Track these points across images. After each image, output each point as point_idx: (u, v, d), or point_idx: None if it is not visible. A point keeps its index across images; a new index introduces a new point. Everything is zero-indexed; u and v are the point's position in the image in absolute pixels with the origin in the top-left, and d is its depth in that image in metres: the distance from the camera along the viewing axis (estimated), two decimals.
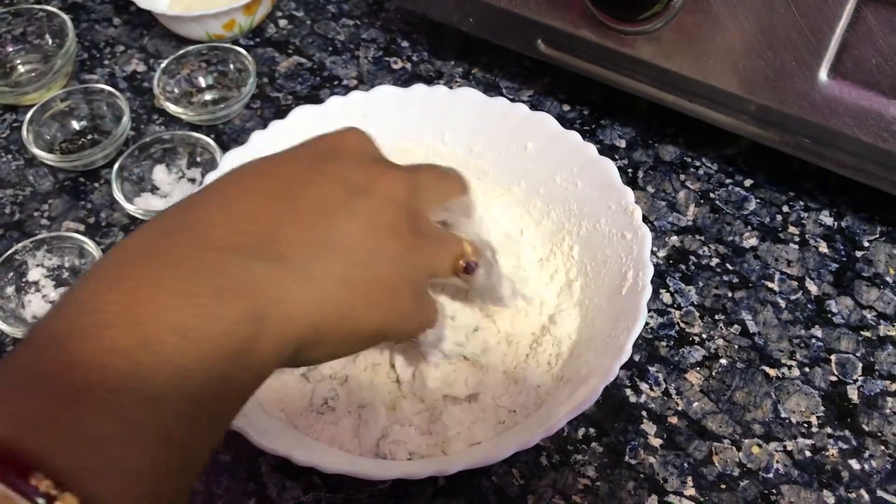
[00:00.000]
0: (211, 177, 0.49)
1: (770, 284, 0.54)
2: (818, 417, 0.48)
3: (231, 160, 0.50)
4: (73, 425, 0.23)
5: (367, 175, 0.32)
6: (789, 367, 0.50)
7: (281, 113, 0.63)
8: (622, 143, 0.62)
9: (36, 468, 0.21)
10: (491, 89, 0.65)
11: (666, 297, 0.53)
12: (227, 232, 0.28)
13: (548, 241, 0.52)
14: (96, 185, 0.61)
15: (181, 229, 0.28)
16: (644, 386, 0.50)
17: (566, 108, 0.64)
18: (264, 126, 0.52)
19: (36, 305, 0.54)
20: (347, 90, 0.63)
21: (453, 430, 0.45)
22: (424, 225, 0.35)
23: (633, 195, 0.47)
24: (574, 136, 0.50)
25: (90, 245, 0.55)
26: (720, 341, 0.51)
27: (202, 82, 0.66)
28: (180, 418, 0.25)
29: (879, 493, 0.45)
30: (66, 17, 0.67)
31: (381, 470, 0.40)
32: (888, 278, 0.54)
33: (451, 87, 0.54)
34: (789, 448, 0.47)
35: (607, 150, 0.60)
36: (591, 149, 0.49)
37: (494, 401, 0.46)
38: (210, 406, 0.26)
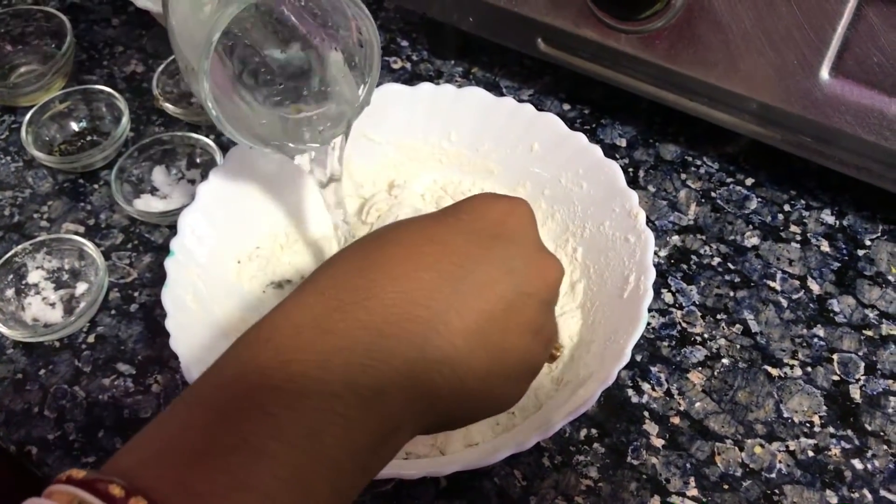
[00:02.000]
0: (213, 175, 0.49)
1: (772, 284, 0.54)
2: (821, 417, 0.48)
3: (236, 157, 0.50)
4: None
5: (532, 271, 0.32)
6: (791, 367, 0.50)
7: None
8: (623, 142, 0.61)
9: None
10: (491, 88, 0.65)
11: (668, 297, 0.53)
12: (399, 316, 0.29)
13: (552, 242, 0.52)
14: (96, 186, 0.61)
15: (355, 306, 0.29)
16: (646, 386, 0.49)
17: (566, 107, 0.64)
18: None
19: (36, 308, 0.54)
20: None
21: (451, 430, 0.45)
22: (553, 319, 0.36)
23: (638, 198, 0.47)
24: (580, 137, 0.50)
25: (90, 247, 0.55)
26: (722, 341, 0.51)
27: None
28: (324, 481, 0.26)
29: (882, 492, 0.45)
30: (64, 17, 0.67)
31: None
32: (890, 277, 0.54)
33: (456, 86, 0.53)
34: (792, 448, 0.47)
35: (608, 150, 0.60)
36: (597, 151, 0.49)
37: None
38: (355, 476, 0.28)
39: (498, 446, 0.40)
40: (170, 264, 0.45)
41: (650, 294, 0.43)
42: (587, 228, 0.50)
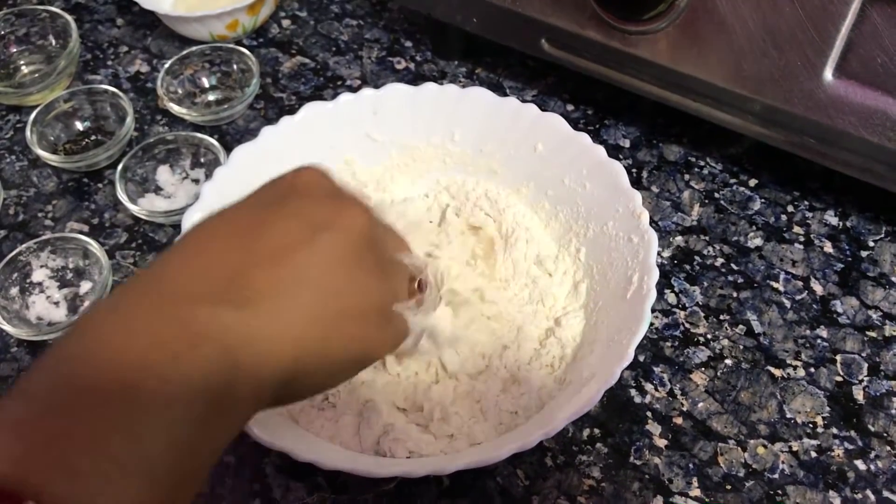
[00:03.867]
0: (217, 175, 0.49)
1: (775, 284, 0.54)
2: (824, 418, 0.48)
3: (240, 156, 0.50)
4: (69, 463, 0.24)
5: (326, 209, 0.33)
6: (794, 368, 0.50)
7: (285, 113, 0.63)
8: (626, 143, 0.61)
9: (30, 498, 0.22)
10: (494, 89, 0.65)
11: (671, 298, 0.53)
12: (193, 284, 0.29)
13: (555, 242, 0.52)
14: (100, 185, 0.61)
15: (149, 291, 0.29)
16: (649, 386, 0.50)
17: (570, 107, 0.64)
18: None
19: (40, 306, 0.54)
20: (351, 91, 0.63)
21: (454, 430, 0.45)
22: (384, 253, 0.36)
23: (641, 198, 0.47)
24: (584, 137, 0.50)
25: (94, 246, 0.55)
26: (725, 341, 0.51)
27: (205, 83, 0.66)
28: (163, 455, 0.26)
29: (885, 493, 0.45)
30: (69, 17, 0.67)
31: (380, 467, 0.40)
32: (894, 278, 0.54)
33: (460, 87, 0.53)
34: (795, 448, 0.47)
35: (611, 150, 0.60)
36: (601, 151, 0.49)
37: (496, 402, 0.46)
38: (192, 445, 0.27)
39: (501, 445, 0.40)
40: None
41: (653, 294, 0.43)
42: (591, 229, 0.50)
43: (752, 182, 0.59)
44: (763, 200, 0.58)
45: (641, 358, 0.51)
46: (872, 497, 0.45)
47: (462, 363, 0.47)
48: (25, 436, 0.24)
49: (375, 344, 0.35)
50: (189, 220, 0.47)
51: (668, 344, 0.51)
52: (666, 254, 0.55)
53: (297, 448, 0.39)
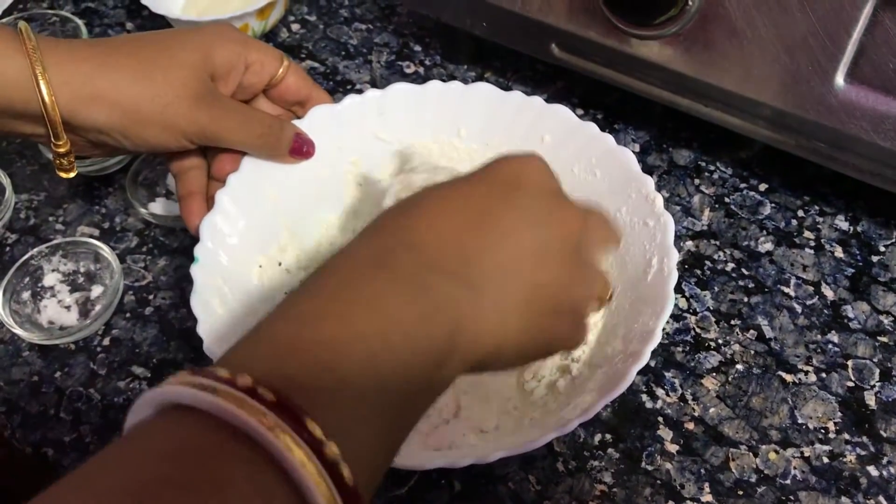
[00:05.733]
0: (231, 179, 0.49)
1: (786, 289, 0.54)
2: (835, 423, 0.48)
3: (252, 162, 0.50)
4: (328, 391, 0.26)
5: (547, 210, 0.35)
6: (806, 373, 0.50)
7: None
8: (636, 148, 0.61)
9: (309, 416, 0.24)
10: None
11: (682, 303, 0.53)
12: (438, 254, 0.32)
13: None
14: (110, 189, 0.61)
15: (403, 247, 0.32)
16: (660, 391, 0.49)
17: (580, 111, 0.64)
18: None
19: (51, 310, 0.54)
20: None
21: (485, 423, 0.45)
22: (588, 260, 0.38)
23: (654, 182, 0.47)
24: (591, 126, 0.50)
25: (105, 250, 0.55)
26: (736, 346, 0.51)
27: None
28: (389, 408, 0.28)
29: None
30: (79, 21, 0.67)
31: (420, 460, 0.40)
32: None
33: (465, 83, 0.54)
34: (807, 454, 0.47)
35: None
36: (609, 139, 0.49)
37: (524, 392, 0.46)
38: (406, 406, 0.29)
39: (540, 431, 0.40)
40: (195, 270, 0.46)
41: (675, 274, 0.44)
42: None
43: (763, 186, 0.59)
44: (773, 205, 0.58)
45: (652, 363, 0.51)
46: (885, 503, 0.45)
47: None
48: (305, 359, 0.27)
49: (563, 339, 0.37)
50: (205, 226, 0.47)
51: (680, 349, 0.51)
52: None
53: None
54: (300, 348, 0.27)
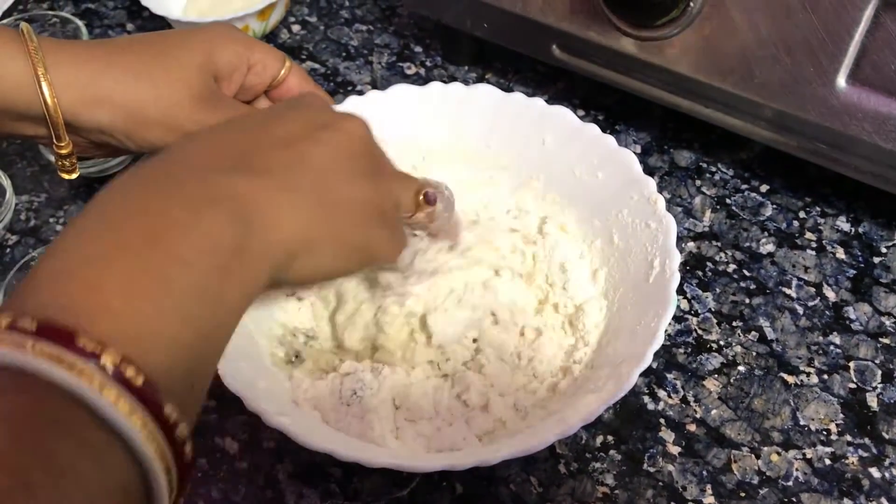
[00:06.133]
0: None
1: (787, 291, 0.54)
2: (837, 425, 0.48)
3: None
4: (100, 306, 0.26)
5: (328, 116, 0.37)
6: (808, 375, 0.50)
7: None
8: (637, 149, 0.61)
9: (80, 334, 0.24)
10: None
11: (683, 304, 0.53)
12: (209, 158, 0.33)
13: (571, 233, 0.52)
14: None
15: (167, 162, 0.32)
16: (662, 393, 0.49)
17: (581, 113, 0.64)
18: None
19: None
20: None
21: (486, 425, 0.45)
22: (386, 165, 0.39)
23: (656, 184, 0.47)
24: (592, 128, 0.50)
25: None
26: (738, 348, 0.51)
27: None
28: (192, 298, 0.28)
29: None
30: (80, 22, 0.67)
31: (425, 462, 0.40)
32: None
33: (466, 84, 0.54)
34: (809, 456, 0.47)
35: None
36: (611, 140, 0.49)
37: (523, 394, 0.46)
38: (217, 292, 0.29)
39: (541, 432, 0.40)
40: None
41: (677, 277, 0.43)
42: (605, 218, 0.50)
43: (764, 188, 0.59)
44: (775, 206, 0.58)
45: (654, 365, 0.51)
46: None
47: (444, 332, 0.46)
48: (68, 284, 0.26)
49: (376, 240, 0.38)
50: None
51: (681, 350, 0.51)
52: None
53: (338, 448, 0.39)
54: (64, 273, 0.27)
